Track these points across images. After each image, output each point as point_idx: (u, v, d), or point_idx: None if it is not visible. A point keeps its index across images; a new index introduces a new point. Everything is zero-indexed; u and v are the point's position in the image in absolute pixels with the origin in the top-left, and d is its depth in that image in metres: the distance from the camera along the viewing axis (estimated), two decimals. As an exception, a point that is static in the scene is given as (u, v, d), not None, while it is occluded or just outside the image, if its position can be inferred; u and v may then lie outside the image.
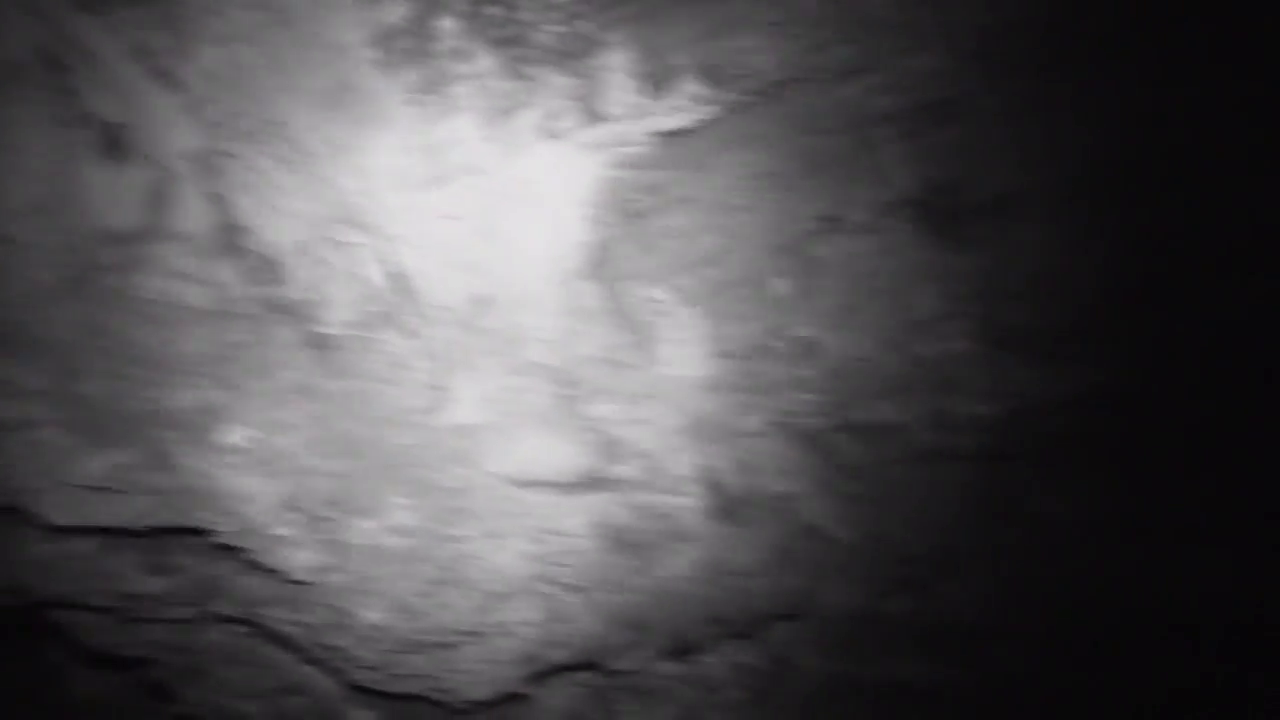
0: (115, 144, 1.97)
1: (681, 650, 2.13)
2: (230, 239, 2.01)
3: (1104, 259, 2.01)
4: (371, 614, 2.07)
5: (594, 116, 2.03)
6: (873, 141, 2.01)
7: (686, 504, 2.09)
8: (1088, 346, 2.02)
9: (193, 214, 1.99)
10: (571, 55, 2.01)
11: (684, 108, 2.03)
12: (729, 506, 2.09)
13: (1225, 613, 2.05)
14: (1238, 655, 2.05)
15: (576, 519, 2.10)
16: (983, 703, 2.15)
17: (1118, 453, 2.04)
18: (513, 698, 2.14)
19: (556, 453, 2.09)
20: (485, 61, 2.01)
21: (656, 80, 2.02)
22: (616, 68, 2.02)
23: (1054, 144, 2.01)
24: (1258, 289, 1.99)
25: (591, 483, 2.09)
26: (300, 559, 2.04)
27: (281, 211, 2.03)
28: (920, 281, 2.02)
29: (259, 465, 2.02)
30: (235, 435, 2.04)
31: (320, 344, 2.03)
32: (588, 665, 2.13)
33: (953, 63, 1.99)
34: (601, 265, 2.06)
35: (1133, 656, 2.10)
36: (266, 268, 2.03)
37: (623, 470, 2.09)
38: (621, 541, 2.09)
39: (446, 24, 1.96)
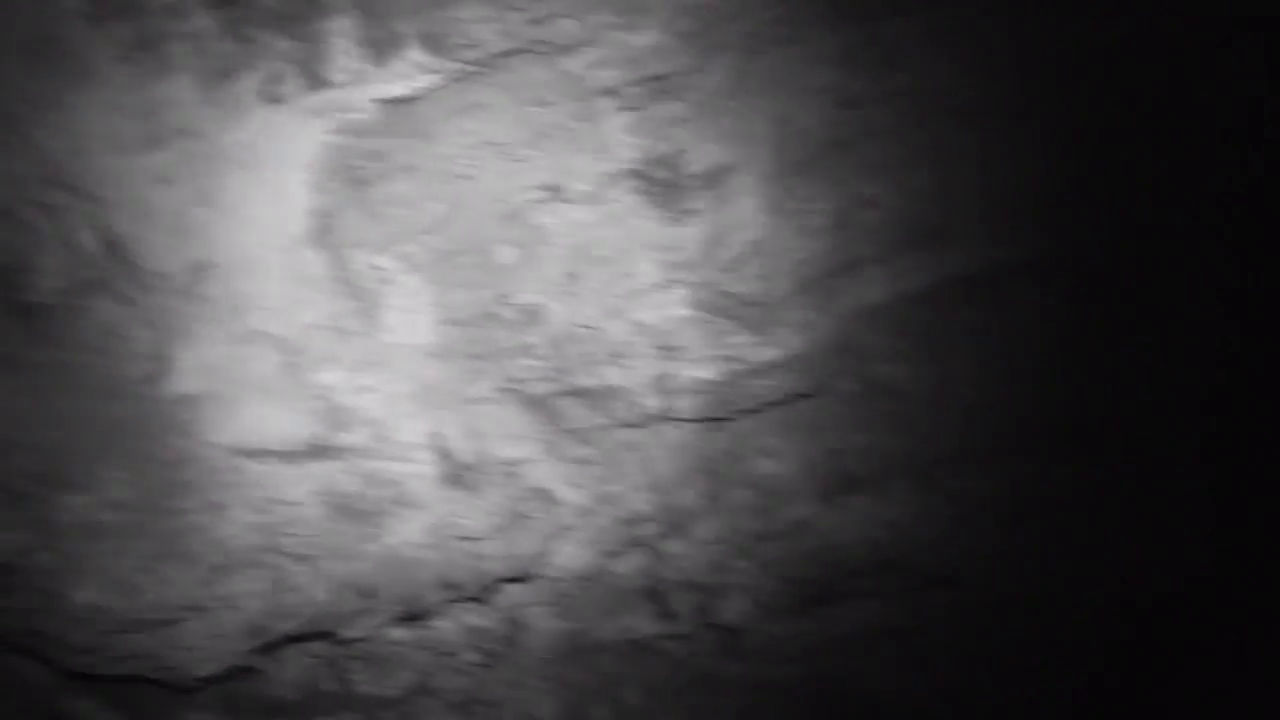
0: None
1: (413, 616, 2.39)
2: (-80, 201, 2.13)
3: (814, 231, 2.38)
4: (85, 594, 2.23)
5: (316, 82, 2.25)
6: (595, 114, 2.31)
7: (415, 470, 2.34)
8: (799, 313, 2.39)
9: (-126, 174, 2.08)
10: (293, 19, 2.22)
11: (407, 75, 2.27)
12: (458, 472, 2.35)
13: (926, 555, 2.48)
14: (938, 593, 2.48)
15: (303, 488, 2.32)
16: (710, 654, 2.50)
17: (829, 412, 2.43)
18: (241, 671, 2.35)
19: (281, 421, 2.30)
20: (202, 20, 2.20)
21: (380, 47, 2.25)
22: (339, 33, 2.24)
23: (767, 121, 2.35)
24: (950, 262, 2.41)
25: (318, 451, 2.32)
26: (3, 540, 2.18)
27: (-21, 172, 2.16)
28: (641, 250, 2.33)
29: (-43, 441, 2.15)
30: (-70, 409, 2.15)
31: (27, 312, 2.17)
32: (318, 635, 2.35)
33: (671, 40, 2.31)
34: (325, 232, 2.29)
35: (846, 600, 2.50)
36: (-37, 232, 2.16)
37: (350, 438, 2.33)
38: (349, 509, 2.33)
39: (160, -21, 2.13)
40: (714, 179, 2.29)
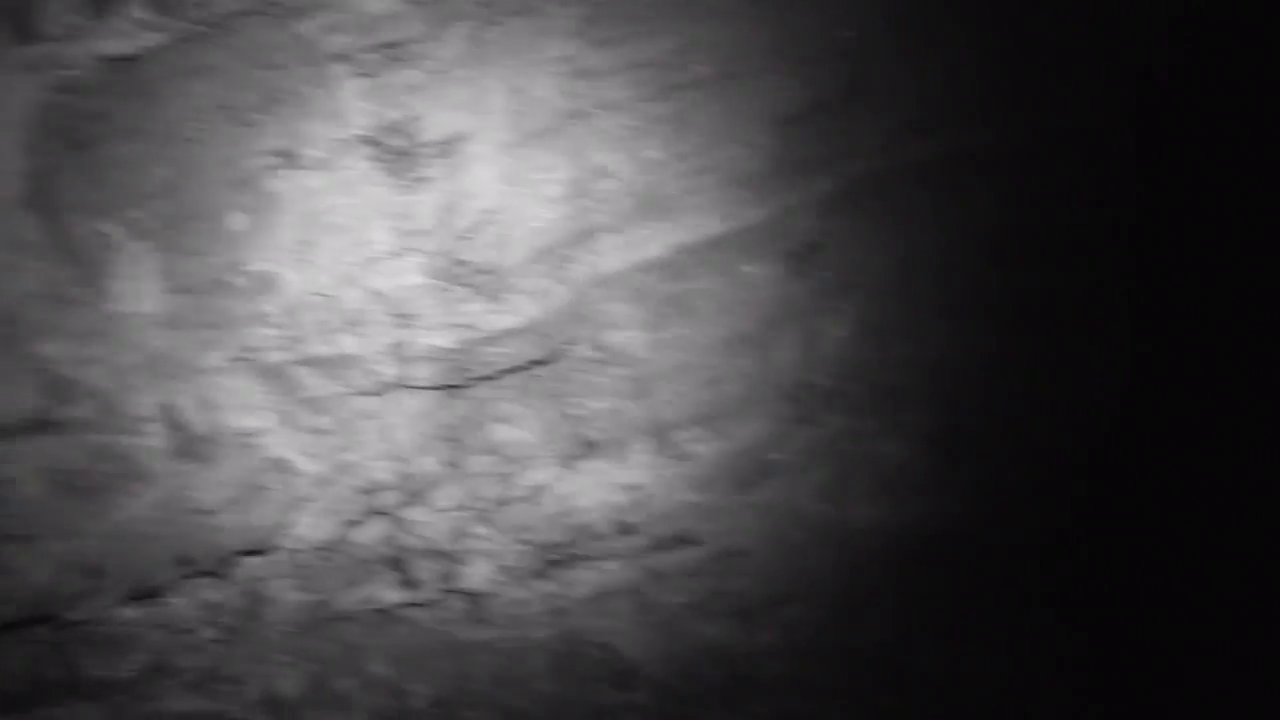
0: None
1: (145, 594, 2.61)
2: None
3: (549, 200, 2.72)
4: None
5: (27, 34, 2.40)
6: (327, 79, 2.58)
7: (145, 443, 2.56)
8: (535, 281, 2.72)
9: None
10: (-2, -32, 2.38)
11: (129, 33, 2.46)
12: (190, 444, 2.59)
13: (664, 517, 2.87)
14: (675, 553, 2.88)
15: (21, 465, 2.50)
16: (455, 620, 2.83)
17: (567, 378, 2.79)
18: (-48, 662, 2.49)
19: (-4, 395, 2.47)
20: (-110, -35, 2.33)
21: (98, 1, 2.46)
22: (54, -15, 2.41)
23: (503, 90, 2.67)
24: (683, 231, 2.79)
25: (38, 425, 2.50)
26: None
27: None
28: (375, 217, 2.61)
29: None
30: None
31: None
32: (40, 619, 2.54)
33: (406, 6, 2.59)
34: (42, 196, 2.47)
35: (586, 562, 2.87)
36: None
37: (74, 411, 2.52)
38: (74, 485, 2.53)
39: None
40: (449, 147, 2.57)
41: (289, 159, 2.50)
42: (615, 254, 2.72)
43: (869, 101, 2.88)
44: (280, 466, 2.55)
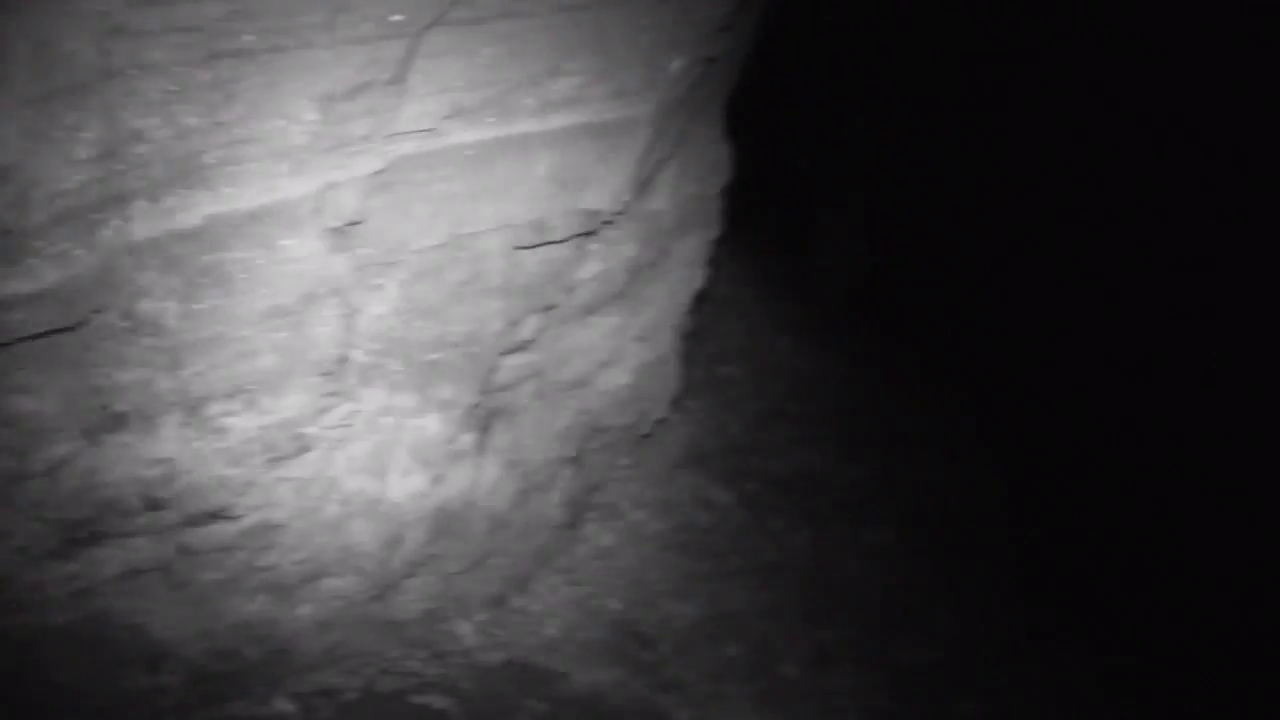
0: None
1: None
2: None
3: (77, 161, 2.83)
4: None
5: None
6: None
7: None
8: (57, 245, 2.82)
9: None
10: None
11: None
12: None
13: (196, 491, 3.10)
14: (208, 528, 3.13)
15: None
16: None
17: (92, 347, 2.93)
18: None
19: None
20: None
21: None
22: None
23: (26, 42, 2.73)
24: (220, 200, 3.02)
25: None
26: None
27: None
28: None
29: None
30: None
31: None
32: None
33: None
34: None
35: (113, 540, 3.02)
36: None
37: None
38: None
39: None
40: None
41: None
42: (148, 221, 2.83)
43: (416, 85, 3.12)
44: None
